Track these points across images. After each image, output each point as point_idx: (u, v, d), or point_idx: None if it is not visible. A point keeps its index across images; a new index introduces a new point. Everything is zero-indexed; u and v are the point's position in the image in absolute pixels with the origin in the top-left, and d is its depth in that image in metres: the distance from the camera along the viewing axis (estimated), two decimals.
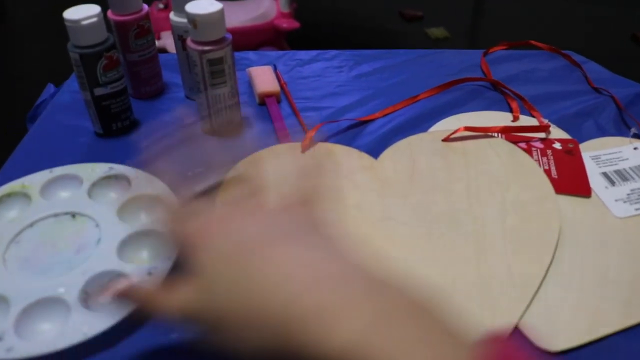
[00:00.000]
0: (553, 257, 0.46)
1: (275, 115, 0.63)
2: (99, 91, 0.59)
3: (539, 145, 0.59)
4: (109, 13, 0.63)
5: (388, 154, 0.58)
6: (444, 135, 0.60)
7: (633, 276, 0.45)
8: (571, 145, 0.59)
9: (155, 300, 0.35)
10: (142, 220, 0.50)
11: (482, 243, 0.48)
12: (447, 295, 0.44)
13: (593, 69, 0.75)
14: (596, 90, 0.70)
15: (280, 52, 0.77)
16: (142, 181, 0.53)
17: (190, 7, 0.55)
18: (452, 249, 0.47)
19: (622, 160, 0.57)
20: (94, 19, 0.55)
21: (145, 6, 0.64)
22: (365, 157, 0.58)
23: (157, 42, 1.66)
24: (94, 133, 0.62)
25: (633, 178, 0.55)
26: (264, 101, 0.66)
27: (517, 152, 0.57)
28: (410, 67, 0.75)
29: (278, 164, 0.56)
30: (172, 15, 0.63)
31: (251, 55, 0.76)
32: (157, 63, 0.68)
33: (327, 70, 0.73)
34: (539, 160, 0.56)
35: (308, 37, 2.23)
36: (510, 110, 0.65)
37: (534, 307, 0.43)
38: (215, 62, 0.56)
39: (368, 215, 0.51)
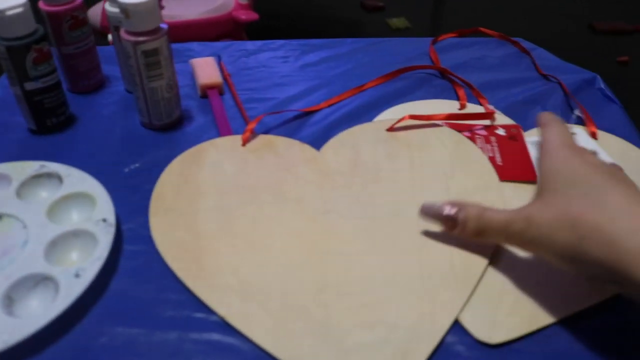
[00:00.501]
0: (494, 248, 0.46)
1: (216, 107, 0.61)
2: (29, 86, 0.56)
3: (483, 132, 0.58)
4: (41, 4, 0.60)
5: (331, 145, 0.57)
6: (389, 125, 0.58)
7: None
8: (514, 131, 0.58)
9: (486, 216, 0.41)
10: (74, 219, 0.48)
11: (424, 234, 0.47)
12: (386, 288, 0.43)
13: (542, 55, 0.75)
14: (544, 77, 0.70)
15: (226, 43, 0.75)
16: (75, 179, 0.50)
17: None
18: (394, 241, 0.46)
19: None
20: (20, 9, 0.52)
21: None
22: (307, 149, 0.56)
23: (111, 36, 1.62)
24: (27, 129, 0.60)
25: None
26: (206, 93, 0.64)
27: (463, 142, 0.57)
28: (358, 55, 0.73)
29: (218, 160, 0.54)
30: (107, 5, 0.60)
31: (195, 46, 0.74)
32: (95, 55, 0.66)
33: (272, 61, 0.71)
34: (483, 148, 0.56)
35: (268, 28, 2.20)
36: (458, 98, 0.65)
37: (474, 298, 0.42)
38: (150, 53, 0.54)
39: (309, 209, 0.49)
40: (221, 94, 0.65)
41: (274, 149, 0.56)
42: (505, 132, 0.58)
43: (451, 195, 0.50)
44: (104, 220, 0.46)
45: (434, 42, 0.76)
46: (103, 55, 0.68)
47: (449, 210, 0.43)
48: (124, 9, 0.52)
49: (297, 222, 0.48)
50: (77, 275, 0.42)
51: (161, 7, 1.88)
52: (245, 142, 0.56)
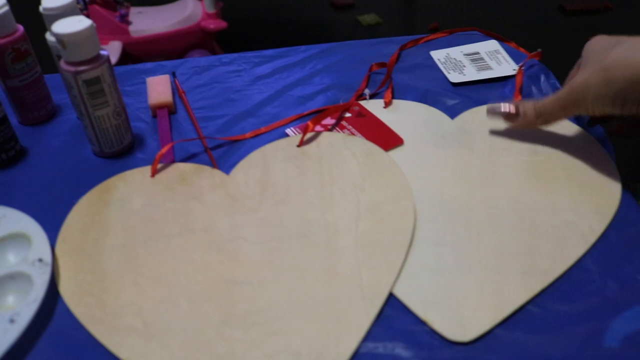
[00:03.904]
0: (405, 259, 0.45)
1: (161, 129, 0.60)
2: None
3: (331, 122, 0.60)
4: None
5: (241, 167, 0.55)
6: (298, 140, 0.57)
7: (529, 245, 0.46)
8: (357, 108, 0.61)
9: (539, 102, 0.53)
10: (10, 261, 0.47)
11: (333, 253, 0.46)
12: (293, 314, 0.42)
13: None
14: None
15: (179, 61, 0.73)
16: (10, 220, 0.49)
17: (56, 27, 0.52)
18: (300, 264, 0.46)
19: None
20: None
21: (21, 27, 0.60)
22: (217, 174, 0.55)
23: None
24: None
25: None
26: (156, 113, 0.63)
27: (374, 151, 0.56)
28: (311, 63, 0.72)
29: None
30: (47, 35, 0.59)
31: (148, 65, 0.73)
32: (42, 86, 0.64)
33: (225, 76, 0.70)
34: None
35: (238, 35, 2.18)
36: None
37: (439, 299, 0.42)
38: (91, 82, 0.53)
39: (215, 238, 0.48)
40: (172, 112, 0.64)
41: (183, 177, 0.54)
42: (351, 113, 0.61)
43: (361, 208, 0.50)
44: (40, 260, 0.45)
45: (402, 48, 0.74)
46: (53, 84, 0.67)
47: (508, 109, 0.55)
48: (60, 39, 0.51)
49: (203, 252, 0.47)
50: (11, 321, 0.41)
51: (129, 23, 1.87)
52: (154, 174, 0.55)
